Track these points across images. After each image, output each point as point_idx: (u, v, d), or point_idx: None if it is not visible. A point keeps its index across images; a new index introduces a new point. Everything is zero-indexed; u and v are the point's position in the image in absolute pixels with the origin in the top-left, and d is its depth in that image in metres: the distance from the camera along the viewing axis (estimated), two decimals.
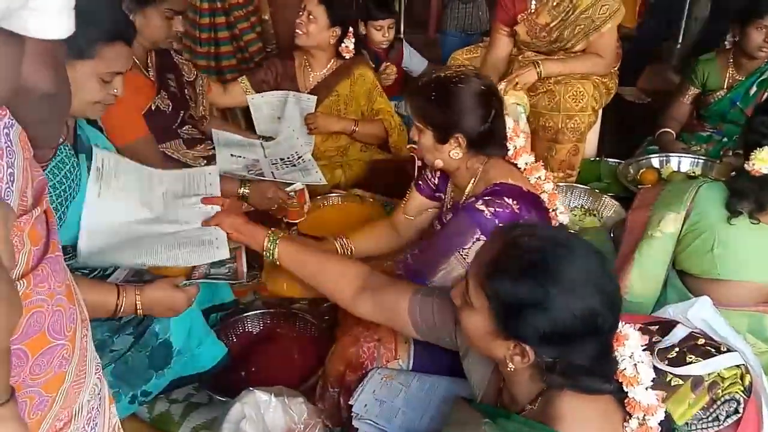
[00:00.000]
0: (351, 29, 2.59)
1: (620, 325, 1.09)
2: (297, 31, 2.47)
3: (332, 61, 2.60)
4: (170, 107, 2.03)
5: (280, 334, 1.95)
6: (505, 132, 1.61)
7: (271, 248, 1.50)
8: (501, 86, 2.50)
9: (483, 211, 1.45)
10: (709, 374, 1.23)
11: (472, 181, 1.58)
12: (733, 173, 1.65)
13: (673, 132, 2.85)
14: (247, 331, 1.96)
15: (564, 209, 1.65)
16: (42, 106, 0.73)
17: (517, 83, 2.51)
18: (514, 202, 1.45)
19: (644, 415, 1.06)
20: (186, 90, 2.15)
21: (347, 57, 2.61)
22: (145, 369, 1.51)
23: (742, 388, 1.36)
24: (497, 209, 1.44)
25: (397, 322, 1.39)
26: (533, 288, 1.01)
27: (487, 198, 1.47)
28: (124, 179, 1.50)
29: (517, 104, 2.48)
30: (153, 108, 1.96)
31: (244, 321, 1.96)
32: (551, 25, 2.57)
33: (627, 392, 1.07)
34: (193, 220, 1.55)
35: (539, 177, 1.61)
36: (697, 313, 1.42)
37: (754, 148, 1.58)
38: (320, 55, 2.56)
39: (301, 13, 2.45)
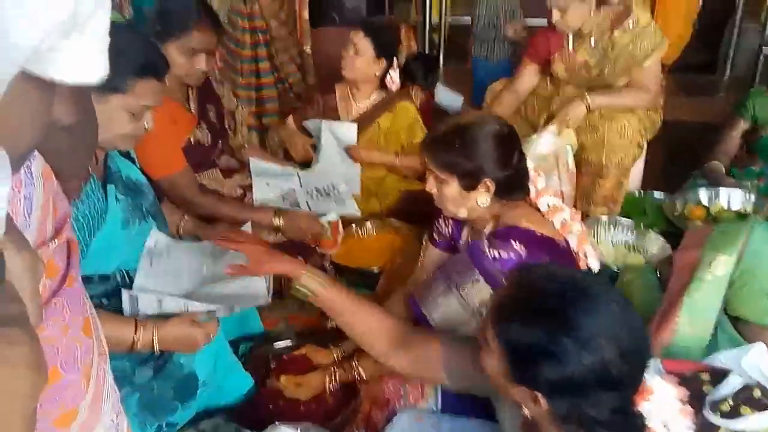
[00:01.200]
0: (396, 59, 2.59)
1: (651, 376, 1.02)
2: (343, 63, 2.49)
3: (376, 92, 2.61)
4: (209, 138, 2.05)
5: (311, 366, 1.90)
6: (527, 173, 1.56)
7: (310, 287, 1.45)
8: (552, 127, 2.45)
9: (485, 253, 1.39)
10: (766, 429, 1.15)
11: (489, 224, 1.54)
12: None
13: (722, 165, 2.75)
14: (276, 362, 1.92)
15: (594, 253, 1.56)
16: (65, 139, 0.72)
17: (568, 121, 2.47)
18: (522, 246, 1.39)
19: None
20: (225, 120, 2.18)
21: (392, 88, 2.61)
22: (170, 400, 1.48)
23: None
24: (501, 253, 1.38)
25: (431, 375, 1.34)
26: (542, 335, 0.97)
27: (493, 240, 1.42)
28: (172, 261, 1.56)
29: (567, 144, 2.45)
30: (192, 140, 1.98)
31: (274, 351, 1.92)
32: (591, 62, 2.53)
33: None
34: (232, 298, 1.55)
35: (564, 219, 1.53)
36: (753, 362, 1.33)
37: None
38: (365, 87, 2.58)
39: (347, 46, 2.47)
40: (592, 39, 2.49)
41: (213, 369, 1.56)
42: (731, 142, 2.80)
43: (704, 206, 2.58)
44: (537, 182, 1.57)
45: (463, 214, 1.53)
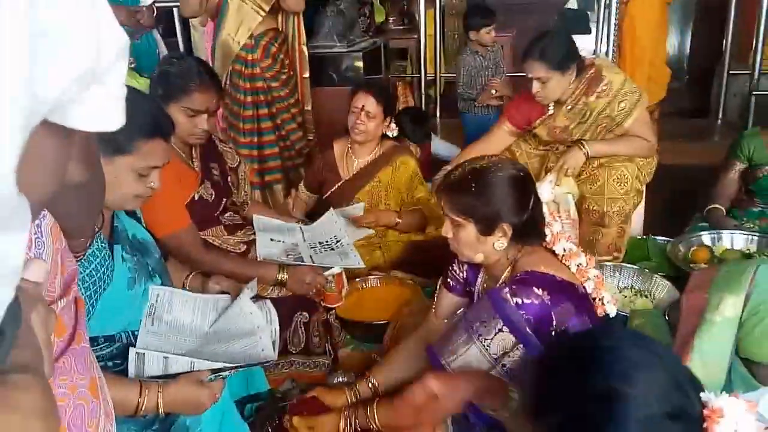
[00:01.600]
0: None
1: (717, 398, 0.94)
2: (356, 129, 2.54)
3: (377, 147, 2.65)
4: (213, 196, 2.07)
5: None
6: (543, 217, 1.56)
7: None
8: (551, 177, 2.49)
9: (508, 300, 1.36)
10: None
11: (508, 269, 1.52)
12: None
13: (722, 208, 2.76)
14: (283, 424, 1.88)
15: (611, 299, 1.55)
16: (74, 198, 0.73)
17: (566, 169, 2.50)
18: (545, 292, 1.37)
19: None
20: (229, 177, 2.21)
21: (391, 135, 2.66)
22: None
23: None
24: (524, 300, 1.36)
25: None
26: (573, 417, 0.92)
27: (514, 287, 1.39)
28: (175, 314, 1.57)
29: (568, 192, 2.49)
30: (196, 197, 2.00)
31: (280, 412, 1.88)
32: (571, 126, 2.59)
33: None
34: (238, 357, 1.54)
35: (580, 264, 1.53)
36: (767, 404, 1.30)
37: None
38: (369, 144, 2.64)
39: (356, 111, 2.53)
40: (568, 104, 2.55)
41: (219, 429, 1.53)
42: (729, 185, 2.82)
43: (708, 248, 2.58)
44: (553, 226, 1.57)
45: (479, 258, 1.52)
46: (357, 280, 2.47)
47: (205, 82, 1.92)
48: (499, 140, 2.74)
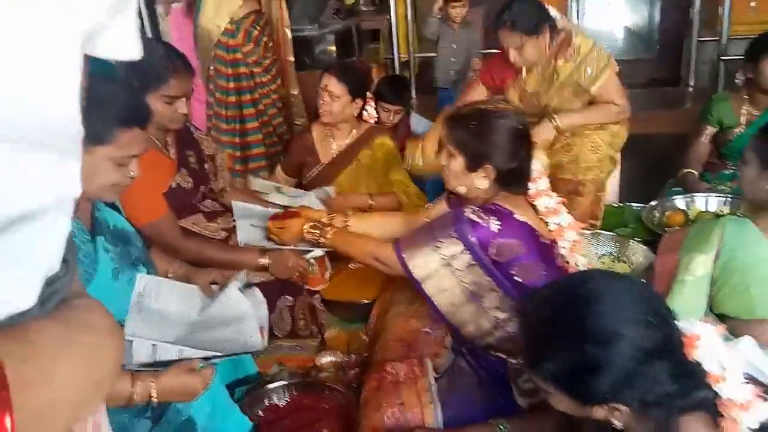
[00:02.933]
0: (369, 94, 2.65)
1: (692, 324, 1.03)
2: (320, 110, 2.53)
3: (354, 130, 2.65)
4: (191, 184, 2.07)
5: (307, 405, 1.89)
6: (530, 173, 1.64)
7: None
8: None
9: (466, 216, 1.52)
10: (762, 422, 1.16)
11: None
12: None
13: (695, 172, 2.81)
14: (272, 404, 1.91)
15: (587, 264, 1.61)
16: None
17: (536, 142, 2.53)
18: (496, 223, 1.50)
19: (740, 413, 0.99)
20: (206, 165, 2.20)
21: (371, 122, 2.67)
22: None
23: None
24: (477, 220, 1.51)
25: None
26: (572, 356, 1.00)
27: (476, 208, 1.54)
28: (162, 303, 1.59)
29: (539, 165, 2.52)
30: (174, 186, 2.00)
31: (269, 394, 1.91)
32: (540, 91, 2.62)
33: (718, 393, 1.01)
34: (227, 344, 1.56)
35: (559, 223, 1.58)
36: (741, 356, 1.35)
37: None
38: (344, 126, 2.63)
39: (320, 92, 2.51)
40: (539, 69, 2.58)
41: (211, 413, 1.55)
42: (700, 149, 2.87)
43: (682, 211, 2.63)
44: (539, 183, 1.63)
45: (461, 190, 1.63)
46: (340, 262, 2.48)
47: (179, 67, 1.91)
48: (476, 94, 2.76)
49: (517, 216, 1.54)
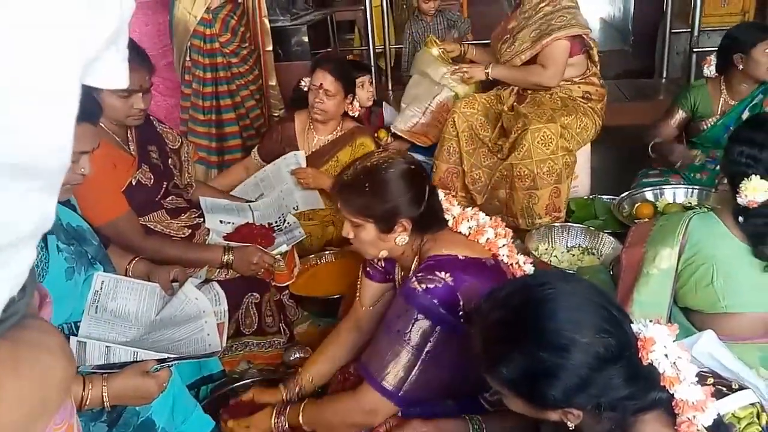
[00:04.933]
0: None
1: (645, 327, 1.03)
2: (315, 108, 2.49)
3: (339, 127, 2.62)
4: (152, 180, 2.02)
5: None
6: (440, 205, 1.55)
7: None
8: (447, 69, 2.91)
9: (416, 288, 1.38)
10: (722, 415, 1.17)
11: (415, 260, 1.52)
12: (740, 219, 1.58)
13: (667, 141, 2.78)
14: (238, 401, 1.87)
15: (528, 259, 1.58)
16: None
17: (465, 73, 2.89)
18: (447, 274, 1.38)
19: (695, 414, 0.99)
20: (170, 159, 2.15)
21: (355, 114, 2.64)
22: None
23: (759, 428, 1.28)
24: (428, 285, 1.37)
25: None
26: (524, 362, 0.99)
27: (420, 275, 1.40)
28: (120, 302, 1.55)
29: (455, 92, 2.91)
30: (134, 182, 1.95)
31: (235, 391, 1.88)
32: (515, 30, 2.78)
33: (673, 394, 1.01)
34: (183, 343, 1.53)
35: (488, 238, 1.53)
36: (703, 348, 1.36)
37: (740, 179, 1.54)
38: (331, 121, 2.59)
39: (314, 89, 2.47)
40: (526, 11, 2.77)
41: (171, 414, 1.51)
42: (668, 130, 2.83)
43: (651, 203, 2.65)
44: (453, 210, 1.57)
45: (383, 255, 1.52)
46: (311, 256, 2.46)
47: (134, 59, 1.85)
48: None
49: (459, 256, 1.44)
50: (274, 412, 1.57)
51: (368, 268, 1.72)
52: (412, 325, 1.38)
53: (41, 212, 0.47)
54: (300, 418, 1.52)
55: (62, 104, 0.45)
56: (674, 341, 1.32)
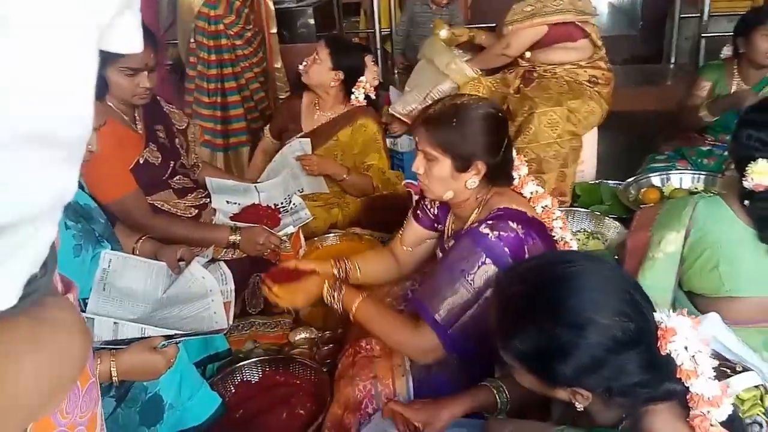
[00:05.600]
0: (362, 80, 2.60)
1: (668, 317, 1.01)
2: (300, 67, 2.54)
3: (340, 106, 2.62)
4: (160, 159, 2.02)
5: (280, 382, 1.89)
6: (513, 161, 1.57)
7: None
8: (451, 60, 2.91)
9: (487, 234, 1.39)
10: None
11: (476, 211, 1.53)
12: (746, 202, 1.57)
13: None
14: (245, 381, 1.90)
15: (571, 238, 1.59)
16: None
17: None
18: (519, 226, 1.40)
19: (709, 409, 0.98)
20: (177, 139, 2.15)
21: (358, 104, 2.64)
22: (136, 426, 1.45)
23: (763, 410, 1.29)
24: (501, 233, 1.39)
25: None
26: (540, 336, 0.98)
27: (490, 222, 1.41)
28: (128, 280, 1.55)
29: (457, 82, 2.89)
30: (141, 161, 1.95)
31: (241, 370, 1.90)
32: (513, 6, 2.77)
33: (688, 387, 1.00)
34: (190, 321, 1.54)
35: (546, 205, 1.56)
36: (707, 332, 1.36)
37: (746, 162, 1.54)
38: (326, 97, 2.59)
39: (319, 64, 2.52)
40: None
41: (179, 390, 1.53)
42: (694, 101, 2.76)
43: (657, 188, 2.64)
44: (521, 170, 1.59)
45: (448, 196, 1.51)
46: (316, 239, 2.47)
47: None
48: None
49: (528, 214, 1.46)
50: (328, 284, 1.54)
51: (418, 211, 1.73)
52: (479, 268, 1.38)
53: (61, 185, 0.47)
54: (353, 308, 1.50)
55: (80, 70, 0.45)
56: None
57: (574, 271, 1.01)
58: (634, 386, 0.97)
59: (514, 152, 1.59)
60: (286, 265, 1.65)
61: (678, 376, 1.00)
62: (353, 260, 1.77)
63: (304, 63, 2.52)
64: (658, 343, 1.00)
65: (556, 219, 1.57)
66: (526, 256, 1.38)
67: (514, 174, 1.58)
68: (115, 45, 0.51)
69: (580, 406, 1.03)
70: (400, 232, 1.79)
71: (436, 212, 1.70)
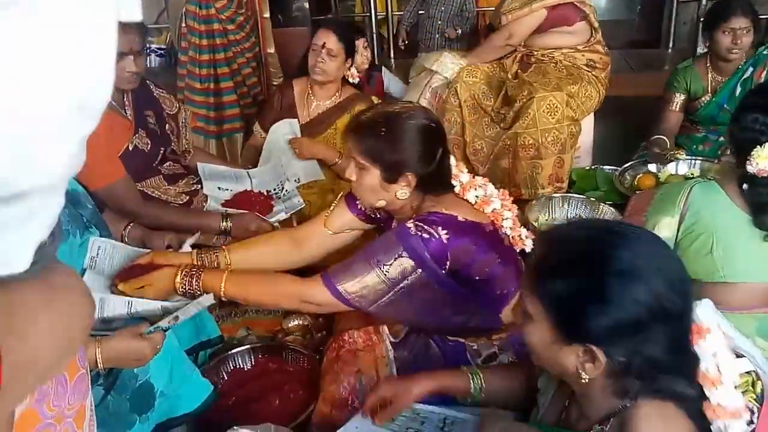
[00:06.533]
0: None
1: (708, 315, 0.98)
2: (316, 68, 2.43)
3: (338, 93, 2.57)
4: (149, 145, 2.00)
5: (272, 369, 1.88)
6: (449, 170, 1.54)
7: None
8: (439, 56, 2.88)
9: (410, 229, 1.39)
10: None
11: (412, 216, 1.50)
12: (744, 186, 1.55)
13: (665, 138, 2.74)
14: (237, 368, 1.89)
15: (529, 234, 1.57)
16: None
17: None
18: (444, 231, 1.39)
19: (727, 421, 0.94)
20: (168, 125, 2.13)
21: (355, 81, 2.61)
22: (127, 413, 1.44)
23: (754, 396, 1.28)
24: (424, 235, 1.38)
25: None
26: (586, 279, 0.93)
27: (418, 222, 1.40)
28: (117, 266, 1.53)
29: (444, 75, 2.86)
30: (131, 148, 1.93)
31: (234, 357, 1.89)
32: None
33: (708, 396, 0.96)
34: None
35: (494, 209, 1.53)
36: (700, 317, 1.35)
37: (749, 148, 1.52)
38: (330, 85, 2.54)
39: (316, 49, 2.42)
40: None
41: (169, 378, 1.52)
42: (671, 117, 2.83)
43: (653, 174, 2.63)
44: (461, 177, 1.56)
45: (380, 204, 1.50)
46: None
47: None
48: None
49: (459, 217, 1.43)
50: (180, 272, 1.46)
51: (357, 202, 1.67)
52: (395, 260, 1.39)
53: (72, 154, 0.48)
54: (222, 284, 1.45)
55: (106, 33, 0.47)
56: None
57: (639, 234, 0.97)
58: (654, 368, 0.92)
59: (453, 160, 1.56)
60: (138, 261, 1.55)
61: (697, 381, 0.96)
62: (227, 247, 1.68)
63: (320, 60, 2.40)
64: (691, 336, 0.96)
65: (505, 219, 1.54)
66: (448, 261, 1.39)
67: (454, 182, 1.55)
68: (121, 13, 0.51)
69: (585, 377, 0.95)
70: (325, 213, 1.72)
71: (381, 216, 1.67)
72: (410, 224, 1.40)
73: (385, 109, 1.47)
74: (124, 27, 1.82)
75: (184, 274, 1.47)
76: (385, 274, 1.39)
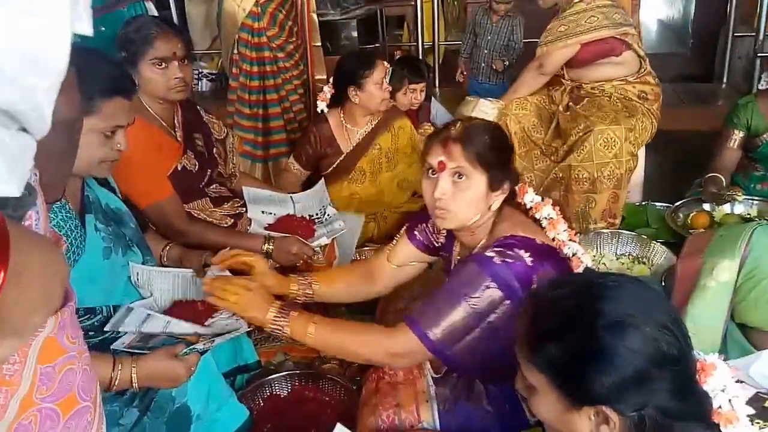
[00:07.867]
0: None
1: (700, 353, 0.95)
2: (383, 102, 2.53)
3: (371, 116, 2.61)
4: (197, 167, 2.03)
5: (309, 398, 1.86)
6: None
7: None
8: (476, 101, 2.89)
9: (493, 257, 1.33)
10: None
11: (484, 237, 1.46)
12: None
13: (721, 176, 2.63)
14: (274, 394, 1.87)
15: (584, 252, 1.50)
16: (60, 135, 0.72)
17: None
18: (527, 254, 1.33)
19: None
20: (215, 148, 2.16)
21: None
22: None
23: None
24: (507, 260, 1.32)
25: None
26: (578, 339, 0.90)
27: (498, 248, 1.35)
28: (155, 292, 1.58)
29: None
30: (179, 168, 1.96)
31: (271, 383, 1.88)
32: (548, 26, 2.73)
33: None
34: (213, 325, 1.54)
35: (557, 235, 1.47)
36: (762, 370, 1.27)
37: None
38: (364, 112, 2.58)
39: (379, 83, 2.49)
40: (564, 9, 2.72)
41: (206, 401, 1.51)
42: (729, 155, 2.69)
43: (707, 213, 2.52)
44: (530, 193, 1.53)
45: (475, 219, 1.42)
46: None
47: (163, 28, 1.87)
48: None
49: (537, 240, 1.38)
50: (273, 310, 1.41)
51: (415, 231, 1.67)
52: (483, 292, 1.32)
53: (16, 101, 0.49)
54: (307, 333, 1.39)
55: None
56: (730, 361, 1.23)
57: (620, 282, 0.95)
58: (667, 416, 0.88)
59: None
60: (227, 257, 1.58)
61: (712, 419, 0.92)
62: (316, 280, 1.67)
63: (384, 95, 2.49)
64: (697, 375, 0.94)
65: (569, 244, 1.48)
66: (534, 285, 1.31)
67: (526, 199, 1.53)
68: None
69: None
70: (388, 248, 1.71)
71: (442, 241, 1.63)
72: (490, 253, 1.34)
73: (475, 121, 1.47)
74: (165, 32, 1.89)
75: (278, 312, 1.42)
76: (473, 307, 1.33)
